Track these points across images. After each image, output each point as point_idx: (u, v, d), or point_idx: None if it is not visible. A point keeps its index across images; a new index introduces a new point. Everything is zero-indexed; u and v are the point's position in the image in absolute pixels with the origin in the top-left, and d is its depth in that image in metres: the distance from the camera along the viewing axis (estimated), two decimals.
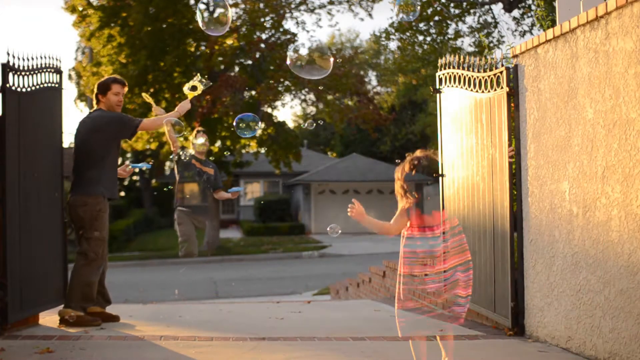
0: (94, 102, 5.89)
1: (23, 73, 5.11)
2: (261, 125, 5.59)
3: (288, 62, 4.98)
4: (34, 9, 68.11)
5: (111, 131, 5.64)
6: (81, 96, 34.04)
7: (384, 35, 17.62)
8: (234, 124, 5.48)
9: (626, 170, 3.83)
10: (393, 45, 21.33)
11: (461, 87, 5.83)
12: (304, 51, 5.29)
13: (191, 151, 8.09)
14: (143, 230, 31.18)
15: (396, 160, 3.97)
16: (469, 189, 5.73)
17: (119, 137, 5.76)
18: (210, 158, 21.75)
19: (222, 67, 22.48)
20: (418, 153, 3.82)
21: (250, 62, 22.75)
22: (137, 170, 6.15)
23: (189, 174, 7.81)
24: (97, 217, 5.53)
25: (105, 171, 5.60)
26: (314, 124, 5.93)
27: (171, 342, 4.75)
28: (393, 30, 17.24)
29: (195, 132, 8.40)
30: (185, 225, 7.64)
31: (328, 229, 4.48)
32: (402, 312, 3.79)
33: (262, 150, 23.44)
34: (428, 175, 3.84)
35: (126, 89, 5.90)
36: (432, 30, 16.92)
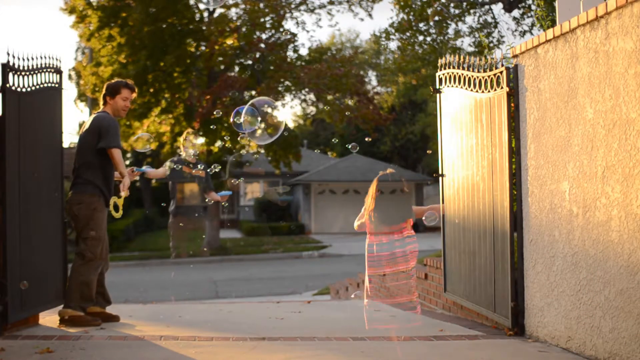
0: (101, 102, 5.89)
1: (23, 73, 5.11)
2: (261, 123, 5.56)
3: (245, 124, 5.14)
4: (34, 9, 68.14)
5: (99, 137, 5.60)
6: (81, 96, 34.03)
7: (384, 35, 17.62)
8: (232, 119, 5.45)
9: (626, 170, 3.83)
10: (393, 45, 21.32)
11: (461, 87, 5.83)
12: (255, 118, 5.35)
13: (182, 154, 8.14)
14: (143, 230, 31.16)
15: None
16: (469, 189, 5.73)
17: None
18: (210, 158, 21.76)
19: (222, 67, 22.49)
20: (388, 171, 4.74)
21: (250, 62, 22.76)
22: (138, 174, 6.16)
23: (184, 175, 7.91)
24: (92, 216, 5.53)
25: (101, 172, 5.59)
26: (357, 147, 5.93)
27: (171, 342, 4.75)
28: (393, 30, 17.24)
29: (185, 134, 8.44)
30: (176, 231, 7.90)
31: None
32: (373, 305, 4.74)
33: (262, 151, 23.45)
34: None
35: (135, 95, 5.90)
36: (432, 30, 16.92)
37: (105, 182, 5.63)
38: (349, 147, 5.82)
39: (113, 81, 5.94)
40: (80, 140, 5.70)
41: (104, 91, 5.85)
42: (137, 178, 6.54)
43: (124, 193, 5.59)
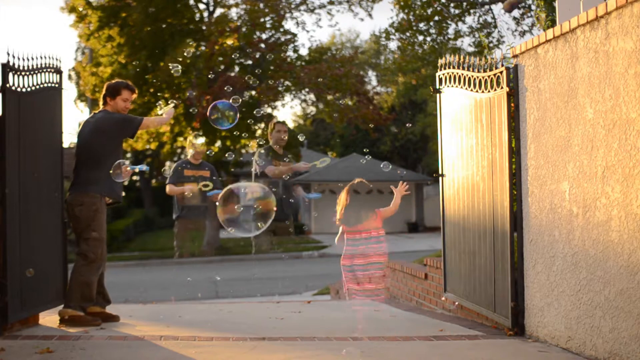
0: (101, 102, 5.89)
1: (23, 73, 5.10)
2: (238, 115, 5.67)
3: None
4: (34, 9, 68.14)
5: (114, 132, 5.67)
6: (81, 96, 34.02)
7: (384, 35, 17.62)
8: (209, 113, 5.60)
9: (626, 170, 3.83)
10: (393, 45, 21.33)
11: (461, 87, 5.83)
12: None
13: (190, 152, 8.20)
14: (143, 230, 31.16)
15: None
16: (469, 189, 5.73)
17: (122, 137, 5.82)
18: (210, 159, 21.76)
19: (222, 67, 22.49)
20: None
21: (250, 62, 22.76)
22: (136, 170, 6.13)
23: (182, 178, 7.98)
24: (94, 217, 5.53)
25: (105, 172, 5.59)
26: (390, 166, 6.05)
27: (171, 342, 4.75)
28: (393, 30, 17.24)
29: (191, 136, 8.53)
30: (180, 233, 8.10)
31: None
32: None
33: (262, 151, 23.42)
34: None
35: (135, 96, 5.92)
36: (432, 30, 16.92)
37: (106, 182, 5.62)
38: (382, 166, 6.18)
39: (113, 82, 5.95)
40: (82, 141, 5.69)
41: (104, 91, 5.87)
42: (137, 178, 6.56)
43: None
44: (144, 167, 6.22)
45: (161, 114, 6.06)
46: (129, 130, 5.79)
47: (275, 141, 7.55)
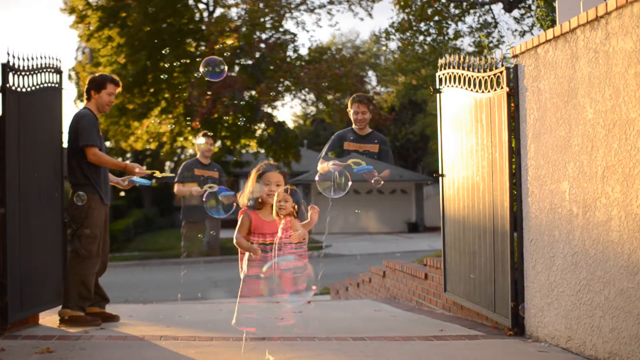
0: (85, 97, 5.84)
1: (23, 73, 5.10)
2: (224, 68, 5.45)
3: None
4: (34, 9, 68.15)
5: (76, 134, 5.58)
6: (81, 96, 34.04)
7: (383, 35, 17.63)
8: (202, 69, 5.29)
9: (626, 170, 3.83)
10: (393, 45, 21.35)
11: (461, 87, 5.83)
12: None
13: (192, 152, 8.31)
14: (143, 230, 31.13)
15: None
16: (469, 189, 5.73)
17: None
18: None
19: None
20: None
21: (250, 62, 22.76)
22: (136, 185, 5.99)
23: (188, 174, 8.02)
24: (87, 214, 5.52)
25: (91, 170, 5.56)
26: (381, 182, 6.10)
27: (171, 342, 4.75)
28: (393, 31, 17.25)
29: (201, 134, 8.57)
30: (188, 234, 8.21)
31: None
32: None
33: (262, 150, 23.44)
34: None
35: (119, 89, 5.87)
36: (432, 30, 16.93)
37: (99, 179, 5.60)
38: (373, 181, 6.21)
39: (97, 75, 5.90)
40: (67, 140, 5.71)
41: (87, 85, 5.80)
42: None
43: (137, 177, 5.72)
44: (148, 182, 6.03)
45: (132, 168, 5.76)
46: (80, 142, 5.53)
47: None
